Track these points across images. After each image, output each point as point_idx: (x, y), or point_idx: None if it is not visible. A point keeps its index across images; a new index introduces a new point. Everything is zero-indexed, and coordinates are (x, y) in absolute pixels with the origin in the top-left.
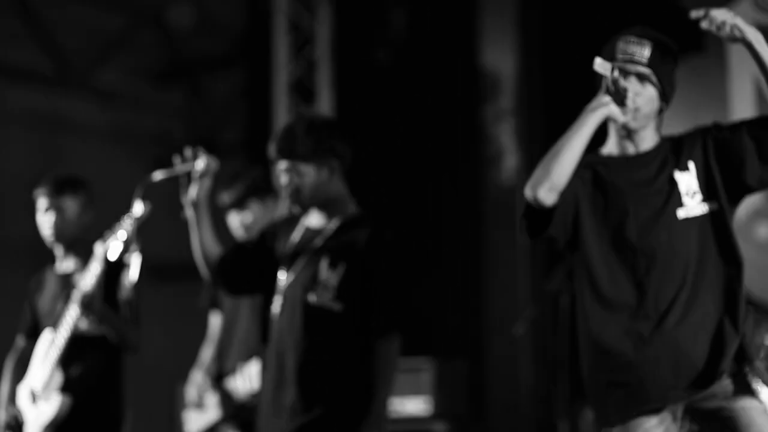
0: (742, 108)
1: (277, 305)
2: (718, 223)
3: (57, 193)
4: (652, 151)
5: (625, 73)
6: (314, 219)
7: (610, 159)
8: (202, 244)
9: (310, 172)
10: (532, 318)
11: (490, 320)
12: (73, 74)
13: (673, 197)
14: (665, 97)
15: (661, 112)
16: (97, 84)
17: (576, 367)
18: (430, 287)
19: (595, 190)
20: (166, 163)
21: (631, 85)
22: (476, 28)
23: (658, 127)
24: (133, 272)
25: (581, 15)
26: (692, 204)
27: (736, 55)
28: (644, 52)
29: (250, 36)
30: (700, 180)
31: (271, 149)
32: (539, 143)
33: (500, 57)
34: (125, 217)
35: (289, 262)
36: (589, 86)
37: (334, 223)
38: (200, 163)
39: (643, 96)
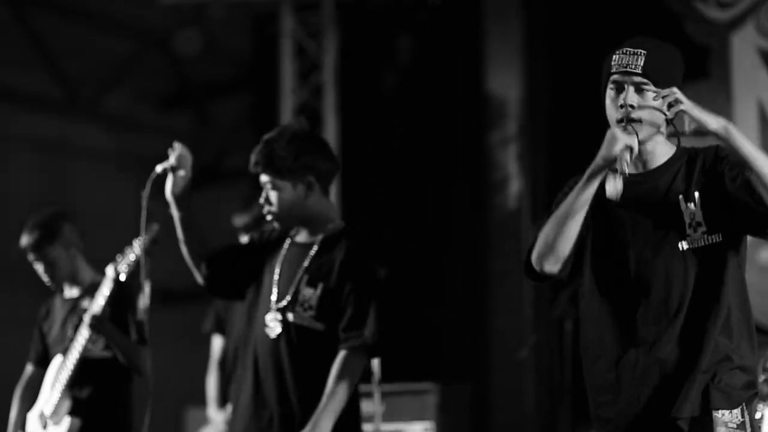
0: (746, 133)
1: (270, 324)
2: (720, 256)
3: (36, 248)
4: (662, 167)
5: (620, 85)
6: (300, 235)
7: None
8: (182, 240)
9: (286, 188)
10: (535, 343)
11: (493, 345)
12: (80, 99)
13: (677, 227)
14: (670, 104)
15: (671, 121)
16: (103, 109)
17: (579, 391)
18: (434, 311)
19: (598, 217)
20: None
21: (629, 96)
22: (482, 54)
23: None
24: (144, 294)
25: (586, 41)
26: (695, 236)
27: (740, 80)
28: (638, 61)
29: (257, 62)
30: (705, 212)
31: (250, 161)
32: (544, 169)
33: (505, 83)
34: (136, 239)
35: (278, 281)
36: (594, 112)
37: (318, 240)
38: (172, 158)
39: (644, 106)
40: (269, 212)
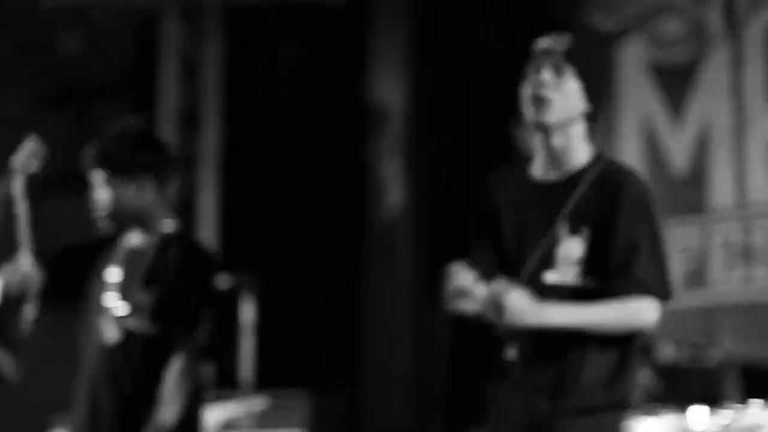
0: (628, 146)
1: (106, 332)
2: (589, 298)
3: None
4: (576, 176)
5: (537, 66)
6: (135, 237)
7: (525, 186)
8: (23, 240)
9: (117, 186)
10: (410, 353)
11: (367, 354)
12: None
13: (551, 253)
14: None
15: (590, 118)
16: None
17: (452, 401)
18: (309, 321)
19: (509, 212)
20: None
21: (544, 74)
22: (367, 62)
23: (590, 140)
24: (29, 306)
25: (470, 54)
26: (564, 271)
27: (625, 92)
28: (560, 44)
29: (140, 65)
30: (586, 251)
31: (82, 159)
32: (425, 179)
33: (389, 92)
34: (22, 251)
35: (114, 285)
36: (477, 124)
37: (154, 243)
38: (23, 151)
39: (560, 88)
40: (100, 211)
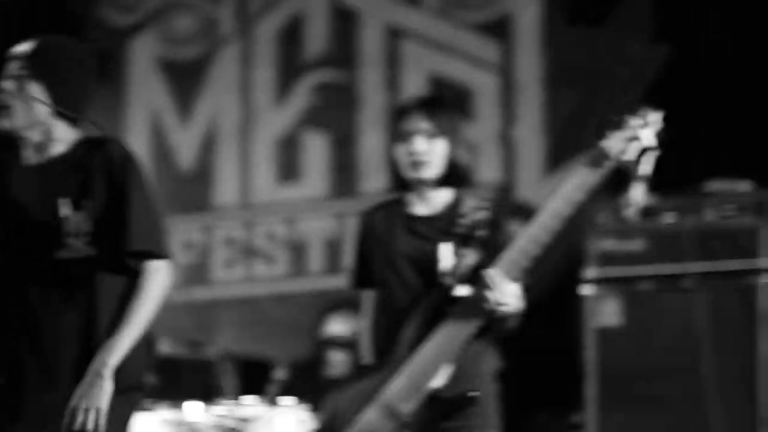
0: (137, 141)
1: None
2: (102, 268)
3: None
4: (59, 161)
5: None
6: None
7: (20, 170)
8: None
9: None
10: None
11: None
12: None
13: (56, 233)
14: (55, 102)
15: (65, 116)
16: None
17: None
18: None
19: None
20: None
21: (5, 84)
22: None
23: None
24: None
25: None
26: (79, 247)
27: (135, 88)
28: (23, 50)
29: None
30: (91, 223)
31: None
32: None
33: None
34: None
35: None
36: None
37: None
38: None
39: (24, 95)
40: None
